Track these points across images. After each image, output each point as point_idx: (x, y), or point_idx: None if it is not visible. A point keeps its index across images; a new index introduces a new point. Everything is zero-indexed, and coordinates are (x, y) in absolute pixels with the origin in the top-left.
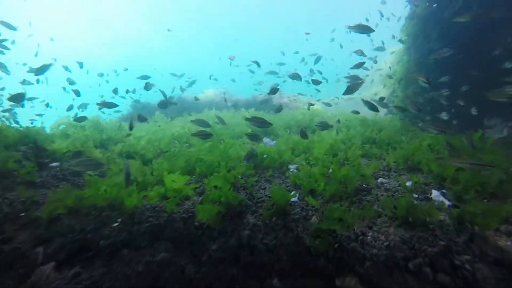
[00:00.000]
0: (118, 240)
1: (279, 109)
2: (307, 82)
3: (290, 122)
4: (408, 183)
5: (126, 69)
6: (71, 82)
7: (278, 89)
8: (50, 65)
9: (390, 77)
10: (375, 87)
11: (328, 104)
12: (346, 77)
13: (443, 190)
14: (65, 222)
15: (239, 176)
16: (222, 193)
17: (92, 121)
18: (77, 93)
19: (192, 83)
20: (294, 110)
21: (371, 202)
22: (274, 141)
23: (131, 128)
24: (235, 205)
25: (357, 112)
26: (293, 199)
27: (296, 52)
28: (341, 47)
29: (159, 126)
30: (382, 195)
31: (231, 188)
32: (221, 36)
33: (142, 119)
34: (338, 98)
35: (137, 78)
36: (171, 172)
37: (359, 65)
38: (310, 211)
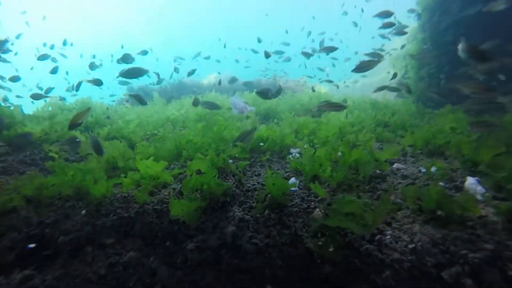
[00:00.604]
0: (80, 235)
1: (278, 91)
2: (320, 69)
3: (295, 105)
4: (432, 169)
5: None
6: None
7: (237, 78)
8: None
9: (411, 56)
10: (386, 69)
11: (335, 85)
12: (366, 54)
13: (475, 178)
14: (22, 214)
15: (230, 161)
16: (205, 180)
17: (82, 102)
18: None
19: (192, 73)
20: (300, 94)
21: (388, 191)
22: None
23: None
24: (219, 194)
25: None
26: (292, 188)
27: (302, 29)
28: (356, 25)
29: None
30: (399, 183)
31: (217, 174)
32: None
33: (141, 101)
34: (344, 82)
35: (137, 53)
36: (157, 156)
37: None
38: (313, 202)
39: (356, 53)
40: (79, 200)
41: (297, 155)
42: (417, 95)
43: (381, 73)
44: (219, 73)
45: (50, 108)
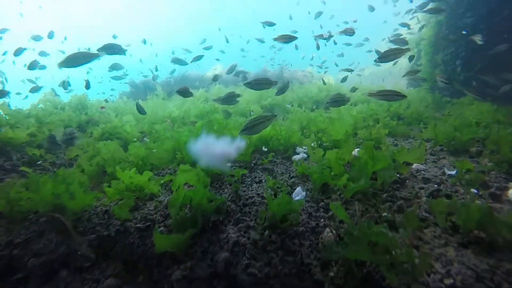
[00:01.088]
0: (53, 257)
1: (285, 87)
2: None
3: (303, 98)
4: (453, 172)
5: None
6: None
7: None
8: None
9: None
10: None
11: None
12: (391, 41)
13: None
14: None
15: (228, 164)
16: (194, 196)
17: (79, 100)
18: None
19: (198, 58)
20: (307, 85)
21: (409, 201)
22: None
23: None
24: (211, 211)
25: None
26: (297, 196)
27: (309, 13)
28: (372, 9)
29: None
30: (421, 188)
31: (208, 186)
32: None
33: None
34: (351, 72)
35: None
36: (148, 159)
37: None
38: (322, 219)
39: (367, 39)
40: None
41: (304, 155)
42: (432, 83)
43: (389, 62)
44: (217, 59)
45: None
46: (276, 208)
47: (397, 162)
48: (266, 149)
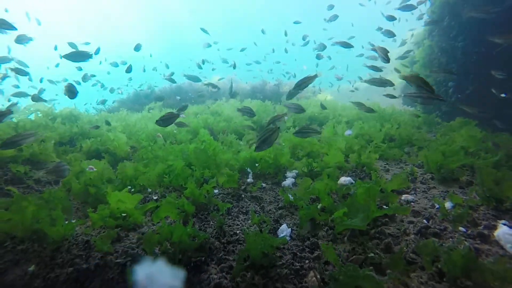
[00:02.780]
0: None
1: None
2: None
3: (298, 115)
4: (447, 204)
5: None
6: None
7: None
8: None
9: (405, 66)
10: (389, 76)
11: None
12: (372, 49)
13: (503, 222)
14: None
15: (215, 191)
16: (175, 233)
17: (70, 112)
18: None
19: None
20: (304, 100)
21: (397, 238)
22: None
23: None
24: (193, 249)
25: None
26: (282, 233)
27: (297, 22)
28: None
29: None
30: (410, 222)
31: (192, 221)
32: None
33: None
34: (338, 90)
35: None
36: (137, 179)
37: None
38: (307, 260)
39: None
40: (35, 242)
41: (293, 180)
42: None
43: (386, 77)
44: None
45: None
46: (255, 246)
47: (385, 192)
48: (257, 165)
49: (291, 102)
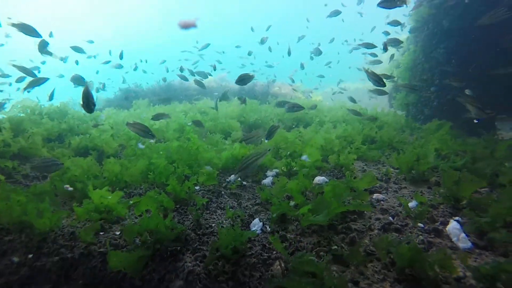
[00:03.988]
0: (13, 279)
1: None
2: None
3: (284, 114)
4: (411, 204)
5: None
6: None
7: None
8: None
9: (388, 77)
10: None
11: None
12: (360, 45)
13: (457, 218)
14: None
15: (197, 187)
16: (152, 224)
17: (59, 108)
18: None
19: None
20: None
21: (362, 233)
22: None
23: None
24: (170, 240)
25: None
26: (254, 227)
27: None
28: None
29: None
30: (377, 219)
31: (171, 214)
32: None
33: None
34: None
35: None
36: (122, 176)
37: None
38: (274, 251)
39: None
40: (22, 233)
41: (271, 179)
42: (408, 108)
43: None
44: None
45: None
46: (226, 238)
47: (357, 191)
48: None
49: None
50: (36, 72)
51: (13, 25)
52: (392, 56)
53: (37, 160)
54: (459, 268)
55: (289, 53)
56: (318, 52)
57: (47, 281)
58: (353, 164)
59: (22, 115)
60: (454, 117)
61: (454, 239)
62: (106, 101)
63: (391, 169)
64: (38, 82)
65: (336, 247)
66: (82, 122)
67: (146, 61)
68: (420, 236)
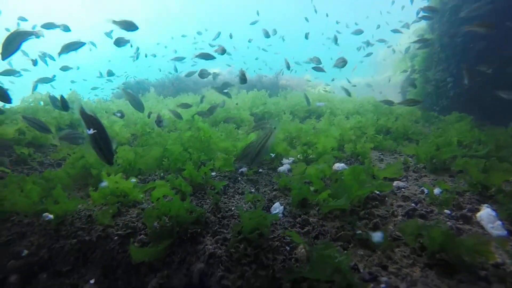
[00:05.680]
0: (34, 260)
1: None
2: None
3: (295, 106)
4: (435, 191)
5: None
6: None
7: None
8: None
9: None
10: (388, 71)
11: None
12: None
13: (487, 205)
14: None
15: (213, 173)
16: (172, 208)
17: (69, 99)
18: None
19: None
20: (301, 92)
21: (385, 219)
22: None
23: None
24: (189, 223)
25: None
26: (275, 210)
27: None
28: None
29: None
30: (399, 206)
31: (188, 198)
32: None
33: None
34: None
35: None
36: (135, 164)
37: None
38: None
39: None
40: (40, 216)
41: (289, 166)
42: (423, 98)
43: (385, 73)
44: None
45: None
46: (249, 222)
47: (377, 178)
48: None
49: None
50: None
51: (114, 22)
52: (408, 48)
53: (66, 131)
54: (496, 254)
55: (306, 37)
56: (336, 41)
57: (66, 263)
58: (369, 153)
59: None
60: (473, 108)
61: (488, 226)
62: (113, 95)
63: (409, 159)
64: (74, 46)
65: (360, 232)
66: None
67: (155, 56)
68: (448, 223)
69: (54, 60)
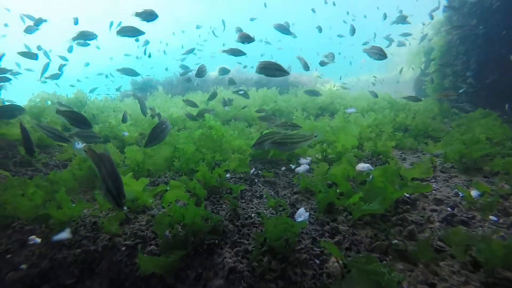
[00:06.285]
0: (35, 272)
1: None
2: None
3: (307, 103)
4: (472, 193)
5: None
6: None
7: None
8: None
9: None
10: (399, 67)
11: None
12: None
13: None
14: None
15: (227, 175)
16: (187, 215)
17: (77, 97)
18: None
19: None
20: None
21: (420, 225)
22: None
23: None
24: (206, 232)
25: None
26: (300, 217)
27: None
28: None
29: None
30: (433, 210)
31: (203, 203)
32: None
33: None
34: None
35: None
36: (144, 165)
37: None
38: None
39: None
40: (42, 223)
41: (307, 166)
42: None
43: (395, 70)
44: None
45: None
46: (274, 230)
47: (405, 179)
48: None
49: None
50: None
51: (137, 14)
52: (424, 36)
53: (80, 130)
54: None
55: (320, 30)
56: (353, 31)
57: (69, 275)
58: (391, 151)
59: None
60: (495, 104)
61: None
62: (121, 95)
63: (434, 158)
64: (87, 36)
65: (396, 241)
66: (101, 111)
67: (165, 52)
68: (499, 231)
69: (67, 60)
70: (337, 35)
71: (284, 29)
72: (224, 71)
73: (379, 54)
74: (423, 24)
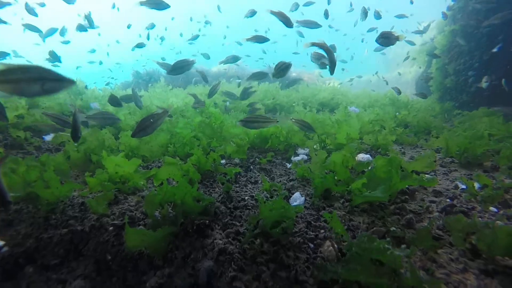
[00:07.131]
0: (19, 251)
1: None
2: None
3: (309, 98)
4: (474, 185)
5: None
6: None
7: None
8: None
9: (433, 54)
10: (400, 67)
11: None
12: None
13: None
14: None
15: (222, 161)
16: (178, 193)
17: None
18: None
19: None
20: (312, 86)
21: (419, 215)
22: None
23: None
24: (197, 213)
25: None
26: (295, 201)
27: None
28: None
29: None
30: (431, 201)
31: (197, 184)
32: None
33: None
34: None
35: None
36: (138, 151)
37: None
38: (322, 230)
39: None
40: (30, 203)
41: (305, 156)
42: (441, 93)
43: (397, 70)
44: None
45: None
46: (269, 213)
47: (405, 171)
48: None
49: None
50: None
51: (141, 3)
52: (427, 27)
53: (97, 112)
54: None
55: (326, 17)
56: (365, 16)
57: (54, 255)
58: (391, 145)
59: None
60: (497, 104)
61: None
62: (123, 84)
63: (434, 152)
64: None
65: (394, 228)
66: (98, 100)
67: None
68: (499, 222)
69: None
70: (335, 29)
71: (312, 24)
72: (235, 58)
73: (392, 39)
74: (419, 24)
